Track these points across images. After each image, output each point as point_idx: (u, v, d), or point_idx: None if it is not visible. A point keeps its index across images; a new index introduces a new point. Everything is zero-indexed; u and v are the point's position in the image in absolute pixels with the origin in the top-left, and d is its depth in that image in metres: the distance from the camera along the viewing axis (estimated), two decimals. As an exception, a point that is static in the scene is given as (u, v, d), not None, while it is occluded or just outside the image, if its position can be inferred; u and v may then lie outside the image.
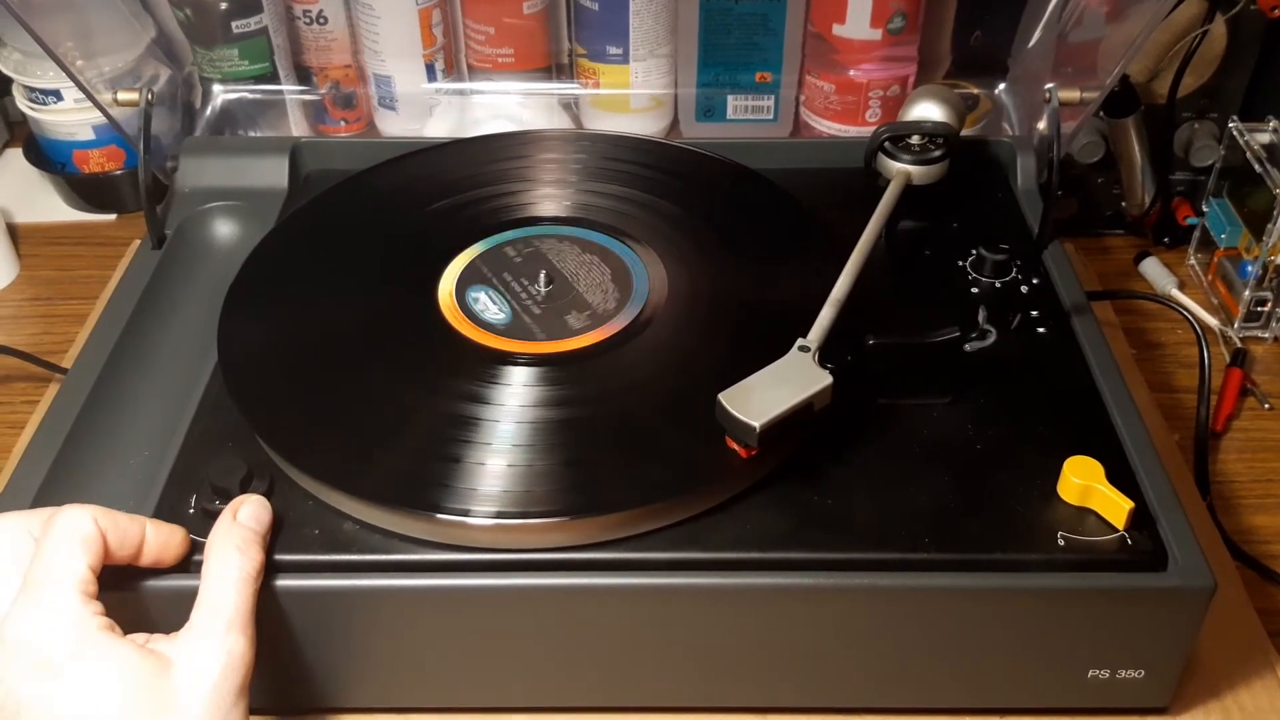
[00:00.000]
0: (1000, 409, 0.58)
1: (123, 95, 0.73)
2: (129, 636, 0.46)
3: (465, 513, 0.51)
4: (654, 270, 0.64)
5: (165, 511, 0.53)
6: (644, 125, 0.91)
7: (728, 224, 0.67)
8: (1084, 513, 0.53)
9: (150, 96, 0.72)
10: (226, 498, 0.52)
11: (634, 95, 0.90)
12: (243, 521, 0.50)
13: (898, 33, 0.84)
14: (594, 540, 0.51)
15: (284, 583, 0.50)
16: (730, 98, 0.91)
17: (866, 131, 0.88)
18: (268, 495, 0.53)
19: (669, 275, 0.63)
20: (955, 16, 0.87)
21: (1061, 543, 0.51)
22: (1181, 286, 0.84)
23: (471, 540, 0.51)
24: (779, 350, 0.53)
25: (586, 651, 0.53)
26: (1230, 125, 0.79)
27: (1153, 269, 0.85)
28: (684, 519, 0.52)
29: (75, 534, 0.46)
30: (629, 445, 0.54)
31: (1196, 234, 0.85)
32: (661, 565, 0.51)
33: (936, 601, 0.51)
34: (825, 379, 0.52)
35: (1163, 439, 0.70)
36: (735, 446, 0.52)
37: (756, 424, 0.50)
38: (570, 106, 0.92)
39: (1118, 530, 0.52)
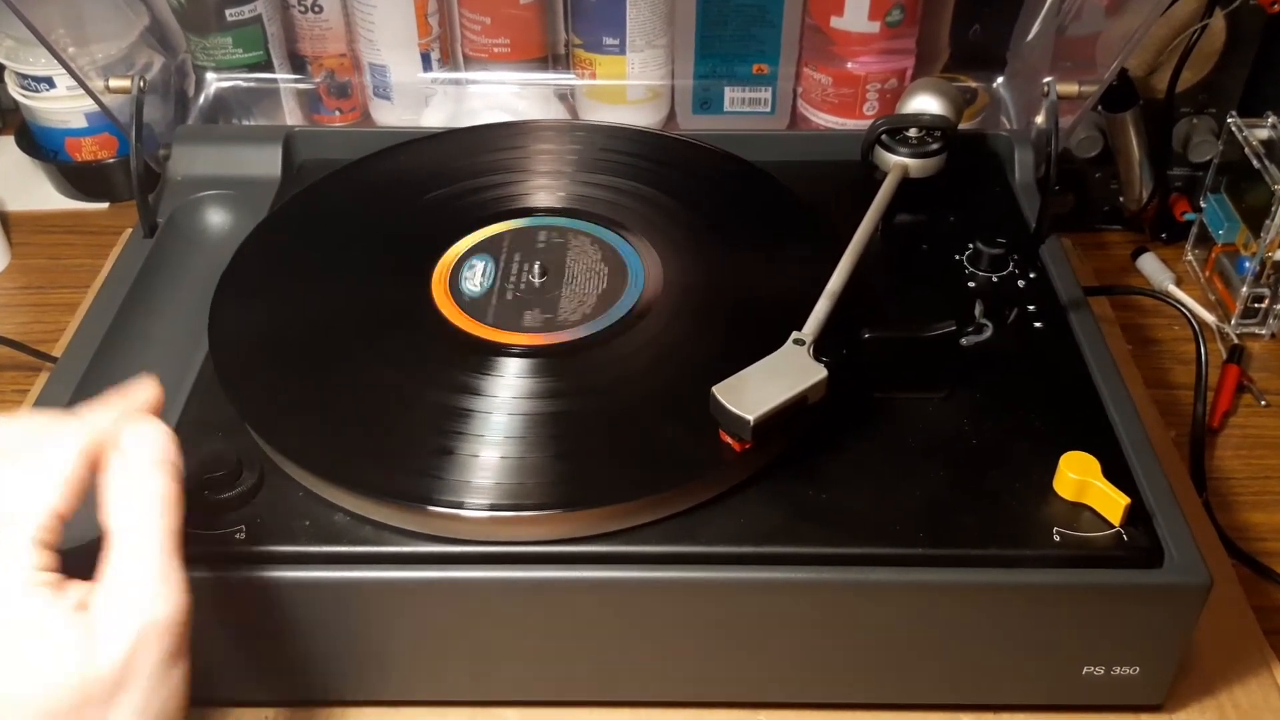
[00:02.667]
0: (996, 404, 0.58)
1: (115, 83, 0.73)
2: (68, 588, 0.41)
3: (458, 505, 0.50)
4: (649, 262, 0.63)
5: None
6: (640, 117, 0.90)
7: (724, 216, 0.67)
8: (1079, 508, 0.52)
9: (142, 84, 0.72)
10: (216, 488, 0.52)
11: (630, 86, 0.89)
12: (132, 450, 0.43)
13: (896, 25, 0.84)
14: (587, 533, 0.51)
15: (275, 574, 0.50)
16: (727, 89, 0.90)
17: (863, 125, 0.87)
18: (258, 486, 0.53)
19: (664, 267, 0.63)
20: (954, 10, 0.86)
21: (1057, 538, 0.51)
22: (1178, 282, 0.84)
23: (464, 533, 0.51)
24: (774, 343, 0.53)
25: (579, 645, 0.53)
26: (1229, 121, 0.78)
27: (1150, 265, 0.84)
28: (677, 512, 0.52)
29: (53, 470, 0.42)
30: (622, 438, 0.54)
31: (1194, 230, 0.85)
32: (655, 559, 0.51)
33: (931, 597, 0.51)
34: (820, 372, 0.52)
35: (1159, 436, 0.69)
36: (729, 440, 0.52)
37: (750, 417, 0.49)
38: (566, 97, 0.92)
39: (1114, 526, 0.51)
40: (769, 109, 0.91)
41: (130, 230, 0.72)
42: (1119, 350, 0.75)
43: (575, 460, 0.53)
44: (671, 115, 0.93)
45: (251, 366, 0.57)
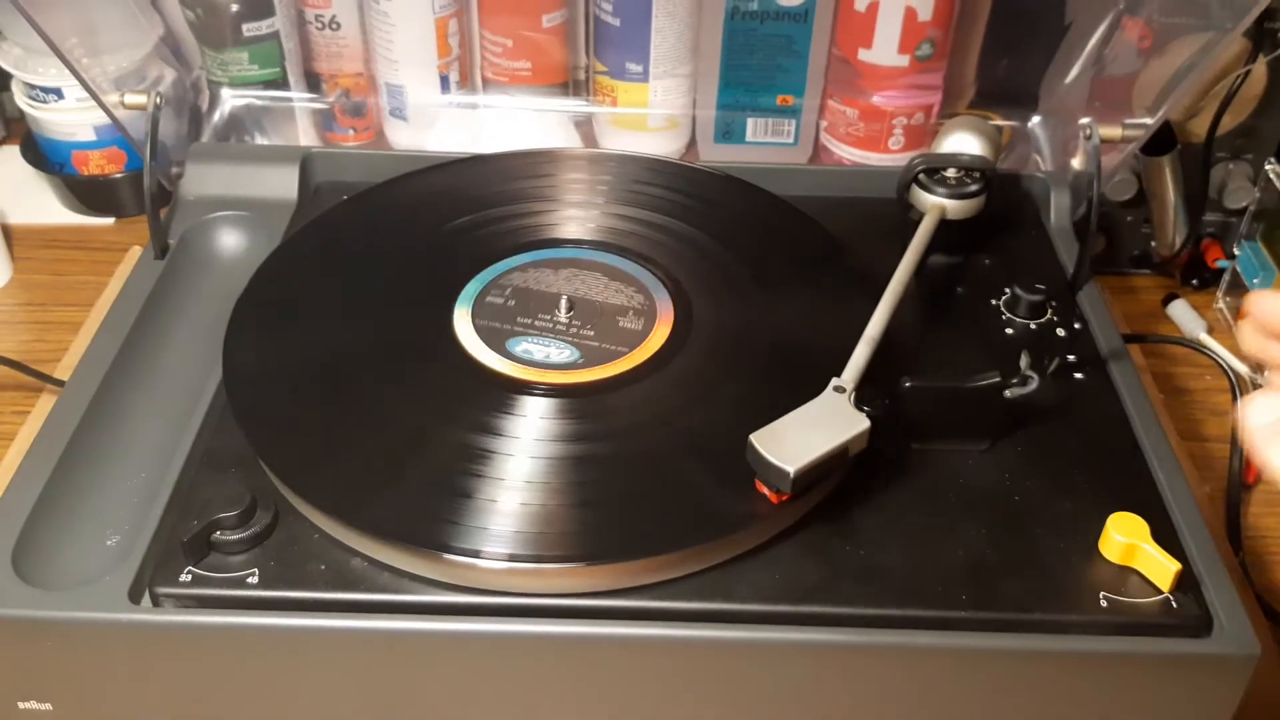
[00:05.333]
0: (1038, 458, 0.56)
1: (130, 98, 0.71)
2: None
3: (475, 554, 0.48)
4: (681, 300, 0.61)
5: (163, 537, 0.51)
6: (661, 145, 0.89)
7: (758, 254, 0.65)
8: (1127, 572, 0.50)
9: (159, 100, 0.70)
10: (228, 528, 0.49)
11: (652, 114, 0.87)
12: None
13: (926, 59, 0.82)
14: (612, 587, 0.49)
15: (288, 621, 0.48)
16: (750, 120, 0.89)
17: (888, 159, 0.86)
18: (272, 526, 0.50)
19: (697, 306, 0.61)
20: (983, 45, 0.85)
21: (1104, 604, 0.49)
22: (1210, 330, 0.82)
23: (482, 582, 0.49)
24: (809, 388, 0.51)
25: (603, 703, 0.50)
26: (1266, 167, 0.77)
27: (1181, 312, 0.83)
28: (708, 567, 0.50)
29: None
30: (651, 486, 0.52)
31: (1226, 276, 0.83)
32: (684, 615, 0.49)
33: (973, 662, 0.49)
34: (863, 423, 0.50)
35: (1194, 491, 0.67)
36: (765, 490, 0.50)
37: (791, 469, 0.47)
38: (585, 123, 0.90)
39: (1162, 592, 0.49)
40: (792, 140, 0.89)
41: (137, 248, 0.70)
42: (1154, 401, 0.73)
43: (600, 509, 0.51)
44: (692, 143, 0.91)
45: (267, 399, 0.55)
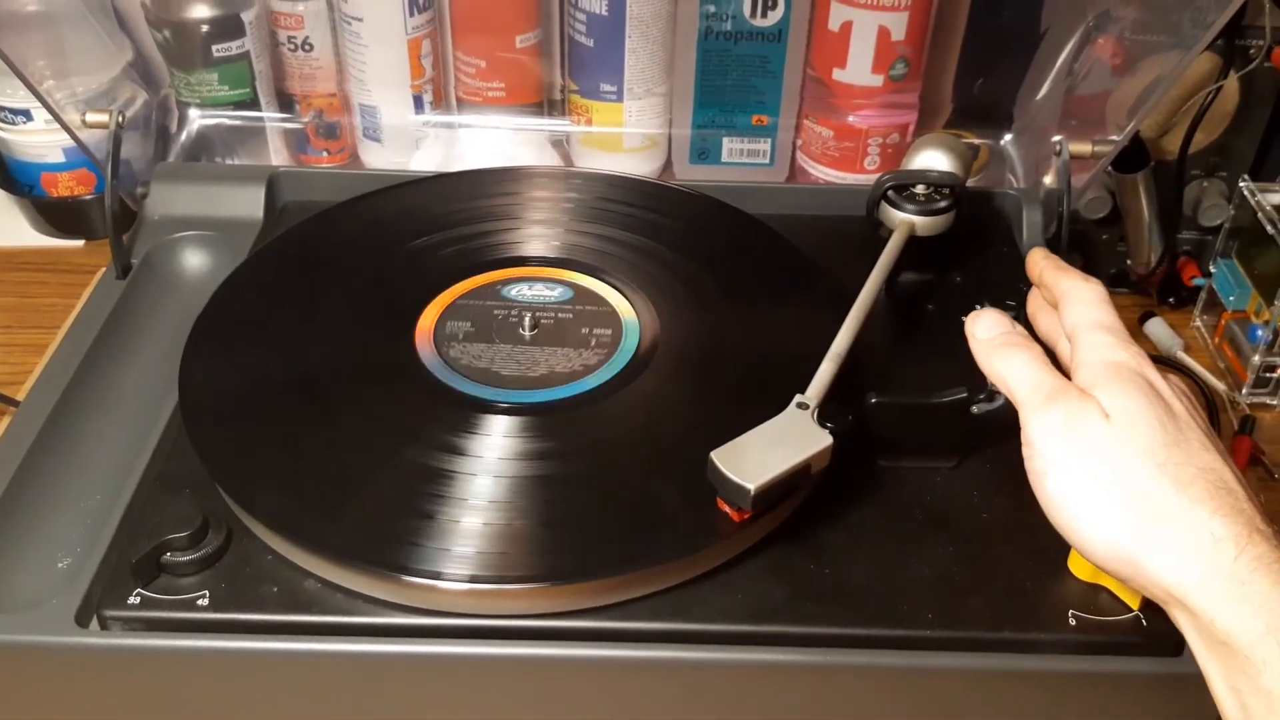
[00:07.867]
0: (1006, 475, 0.55)
1: (91, 117, 0.70)
2: None
3: (436, 575, 0.47)
4: (646, 317, 0.60)
5: (114, 559, 0.50)
6: (637, 165, 0.88)
7: (725, 271, 0.65)
8: (1096, 590, 0.50)
9: (121, 119, 0.69)
10: (179, 549, 0.48)
11: (627, 134, 0.87)
12: None
13: (900, 79, 0.82)
14: (574, 608, 0.48)
15: (238, 644, 0.47)
16: (726, 140, 0.88)
17: (864, 179, 0.86)
18: (224, 548, 0.49)
19: (661, 323, 0.60)
20: (958, 64, 0.85)
21: (1073, 622, 0.48)
22: (1186, 349, 0.81)
23: (442, 604, 0.48)
24: (775, 405, 0.50)
25: (563, 726, 0.50)
26: (1240, 184, 0.76)
27: (1158, 330, 0.82)
28: (670, 586, 0.49)
29: None
30: (613, 505, 0.51)
31: (1203, 295, 0.83)
32: (646, 636, 0.48)
33: (940, 683, 0.48)
34: (825, 440, 0.49)
35: (1170, 509, 0.66)
36: (727, 509, 0.49)
37: (751, 486, 0.46)
38: (561, 144, 0.90)
39: (1132, 610, 0.49)
40: (768, 160, 0.89)
41: (105, 270, 0.69)
42: (1128, 418, 0.72)
43: (563, 528, 0.50)
44: (668, 164, 0.90)
45: (222, 419, 0.54)
